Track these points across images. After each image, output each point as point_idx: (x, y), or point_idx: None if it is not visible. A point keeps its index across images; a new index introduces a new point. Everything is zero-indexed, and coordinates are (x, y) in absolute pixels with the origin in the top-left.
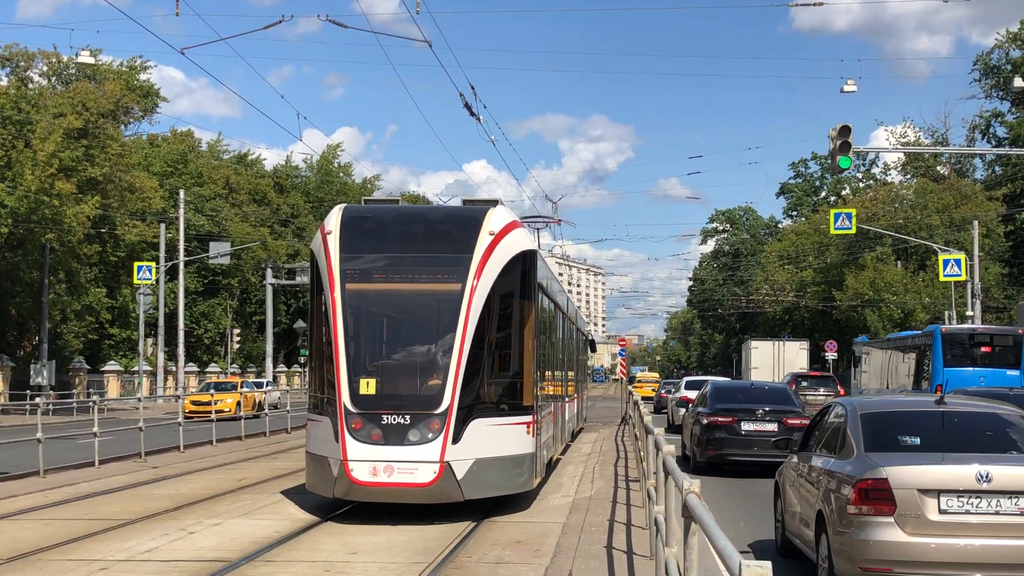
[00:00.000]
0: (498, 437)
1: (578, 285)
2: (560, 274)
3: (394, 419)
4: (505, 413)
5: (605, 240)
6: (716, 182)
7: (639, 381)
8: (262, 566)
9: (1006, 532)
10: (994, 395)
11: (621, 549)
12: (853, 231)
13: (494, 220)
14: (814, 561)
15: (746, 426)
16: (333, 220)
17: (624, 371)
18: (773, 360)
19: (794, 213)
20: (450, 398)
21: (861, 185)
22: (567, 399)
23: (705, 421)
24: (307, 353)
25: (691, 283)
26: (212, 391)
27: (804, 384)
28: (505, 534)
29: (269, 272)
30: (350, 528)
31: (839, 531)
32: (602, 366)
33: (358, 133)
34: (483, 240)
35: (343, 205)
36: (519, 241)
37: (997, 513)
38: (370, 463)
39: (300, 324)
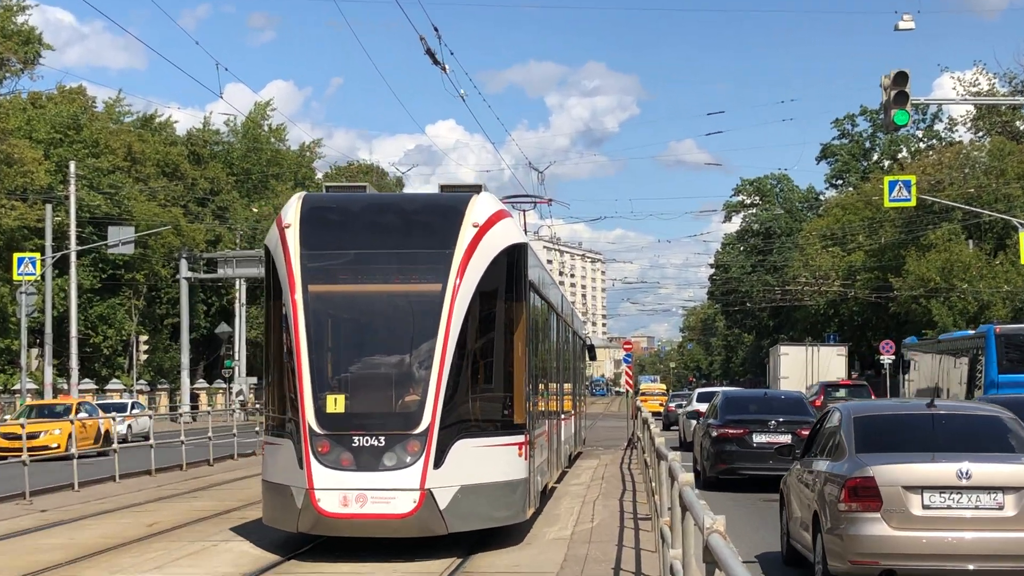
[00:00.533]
0: (486, 460)
1: (571, 276)
2: (549, 262)
3: (367, 441)
4: (494, 432)
5: (605, 218)
6: (742, 144)
7: (643, 394)
8: None
9: (985, 525)
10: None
11: None
12: (912, 203)
13: (478, 209)
14: (811, 562)
15: (758, 438)
16: (291, 212)
17: (630, 382)
18: (805, 368)
19: (839, 182)
20: (431, 416)
21: (922, 146)
22: (563, 416)
23: (715, 434)
24: (264, 365)
25: (712, 271)
26: (27, 419)
27: (835, 395)
28: (495, 571)
29: (184, 264)
30: (317, 568)
31: (831, 529)
32: (603, 376)
33: (294, 88)
34: (466, 233)
35: (302, 194)
36: (507, 233)
37: (977, 508)
38: (340, 492)
39: (224, 328)
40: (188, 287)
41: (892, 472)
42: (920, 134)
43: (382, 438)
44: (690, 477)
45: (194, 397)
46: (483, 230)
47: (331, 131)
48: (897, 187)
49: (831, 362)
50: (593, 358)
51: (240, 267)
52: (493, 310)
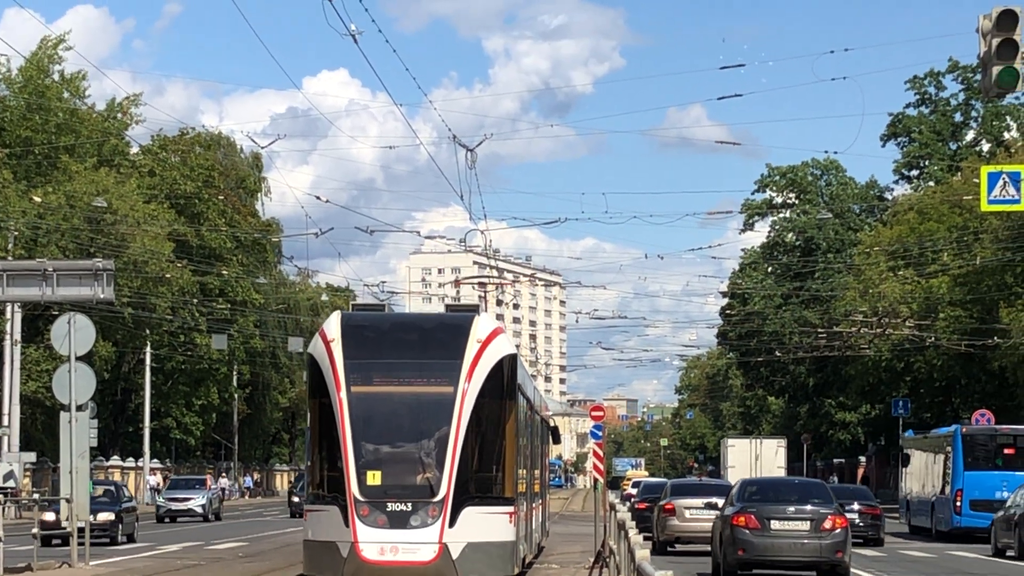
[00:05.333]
0: (486, 524)
1: (514, 307)
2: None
3: (398, 506)
4: (492, 503)
5: (566, 221)
6: (770, 115)
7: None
8: None
9: (708, 521)
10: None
11: None
12: (1023, 207)
13: (480, 328)
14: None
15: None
16: (334, 327)
17: (600, 467)
18: (750, 458)
19: (915, 173)
20: (446, 488)
21: None
22: (537, 499)
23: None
24: (307, 451)
25: (725, 302)
26: None
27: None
28: None
29: None
30: None
31: (660, 524)
32: (559, 458)
33: (106, 18)
34: (472, 347)
35: (339, 313)
36: (502, 347)
37: (709, 516)
38: (378, 544)
39: None
40: None
41: (680, 502)
42: None
43: (409, 504)
44: None
45: None
46: (484, 344)
47: (161, 81)
48: (1000, 182)
49: (775, 453)
50: (557, 441)
51: (16, 286)
52: (492, 407)
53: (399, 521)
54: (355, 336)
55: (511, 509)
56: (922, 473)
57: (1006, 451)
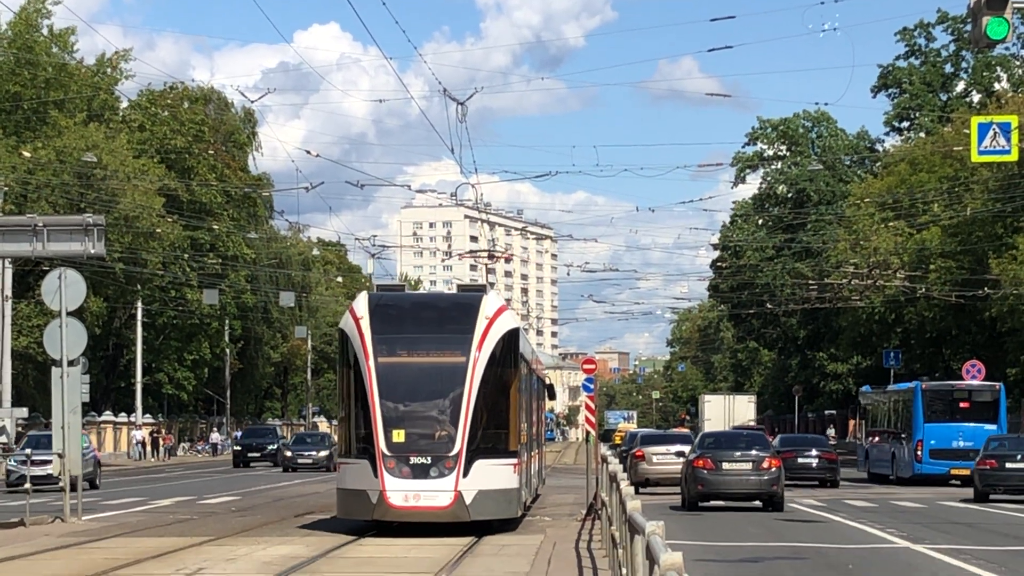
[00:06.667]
0: (494, 474)
1: (505, 260)
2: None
3: (419, 460)
4: (499, 455)
5: (557, 174)
6: (761, 67)
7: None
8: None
9: (677, 464)
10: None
11: None
12: (1014, 157)
13: (488, 306)
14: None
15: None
16: (362, 306)
17: (592, 419)
18: (724, 413)
19: (906, 124)
20: (460, 444)
21: None
22: (536, 450)
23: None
24: (340, 410)
25: (717, 255)
26: None
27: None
28: (496, 543)
29: None
30: (383, 540)
31: (632, 468)
32: (552, 411)
33: None
34: (481, 323)
35: (366, 293)
36: (507, 322)
37: (673, 460)
38: (403, 492)
39: None
40: None
41: (649, 450)
42: None
43: (429, 457)
44: (678, 559)
45: None
46: (492, 320)
47: (152, 37)
48: (991, 133)
49: (745, 409)
50: (552, 397)
51: (6, 242)
52: (498, 373)
53: (420, 472)
54: (381, 314)
55: (515, 461)
56: (882, 424)
57: (962, 405)
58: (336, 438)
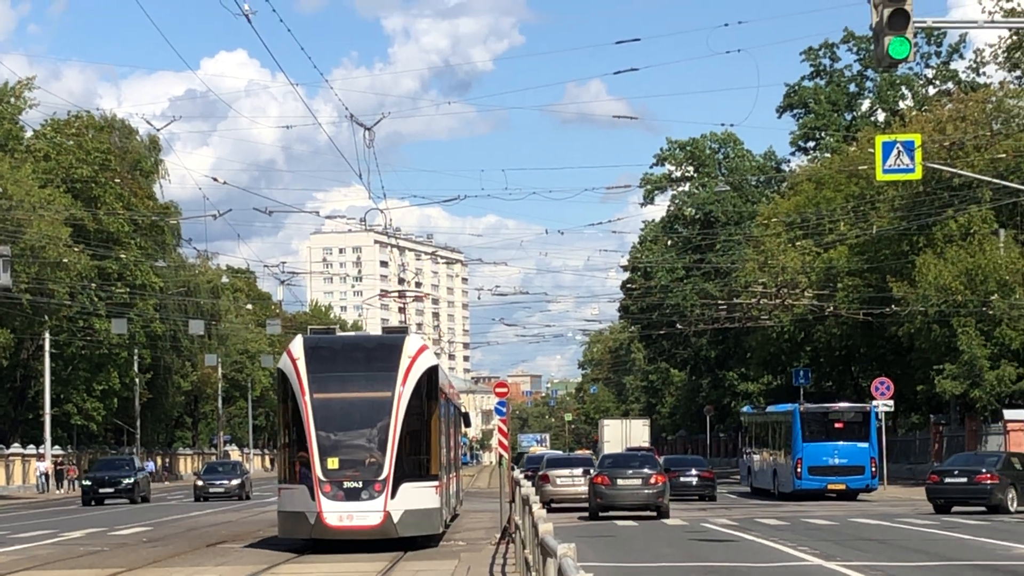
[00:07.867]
0: (419, 495)
1: (416, 286)
2: (384, 264)
3: (352, 484)
4: (422, 479)
5: (466, 197)
6: (667, 88)
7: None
8: None
9: (578, 486)
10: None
11: None
12: (917, 175)
13: (410, 346)
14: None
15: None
16: (298, 348)
17: (505, 443)
18: (622, 436)
19: (811, 144)
20: (388, 469)
21: (931, 91)
22: (454, 474)
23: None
24: (280, 440)
25: (627, 277)
26: None
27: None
28: (421, 557)
29: None
30: (318, 557)
31: (539, 489)
32: (466, 436)
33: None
34: (404, 361)
35: (302, 336)
36: (427, 360)
37: (574, 483)
38: (337, 513)
39: None
40: None
41: (554, 473)
42: (930, 74)
43: (361, 482)
44: None
45: None
46: (414, 359)
47: (58, 68)
48: (895, 151)
49: (641, 432)
50: (468, 425)
51: None
52: (420, 406)
53: (353, 495)
54: (315, 355)
55: (437, 483)
56: (763, 443)
57: (836, 425)
58: (258, 466)
